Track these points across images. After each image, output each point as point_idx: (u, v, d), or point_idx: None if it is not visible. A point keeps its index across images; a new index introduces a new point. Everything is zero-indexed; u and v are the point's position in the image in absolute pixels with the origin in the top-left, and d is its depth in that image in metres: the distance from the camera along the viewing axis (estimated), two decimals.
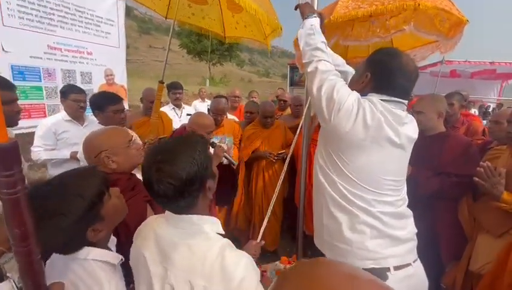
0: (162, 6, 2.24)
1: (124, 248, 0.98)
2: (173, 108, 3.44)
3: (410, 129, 1.12)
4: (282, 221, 2.85)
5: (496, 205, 1.41)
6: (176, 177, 0.70)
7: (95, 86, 3.88)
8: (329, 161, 1.11)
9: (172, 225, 0.78)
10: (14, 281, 0.71)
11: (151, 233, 0.82)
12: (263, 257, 2.18)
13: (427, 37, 2.25)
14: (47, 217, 0.68)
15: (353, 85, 1.16)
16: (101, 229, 0.80)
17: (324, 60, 1.15)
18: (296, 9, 1.42)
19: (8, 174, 0.45)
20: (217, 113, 2.43)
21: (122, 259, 0.87)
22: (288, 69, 16.10)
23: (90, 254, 0.79)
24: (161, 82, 2.01)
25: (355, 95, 1.06)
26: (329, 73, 1.11)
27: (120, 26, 4.13)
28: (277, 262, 1.93)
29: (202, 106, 5.00)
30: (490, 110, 7.75)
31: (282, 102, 3.74)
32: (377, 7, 1.80)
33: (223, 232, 0.80)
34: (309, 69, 1.17)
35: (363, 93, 1.10)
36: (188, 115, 3.55)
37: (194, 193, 0.74)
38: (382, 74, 1.08)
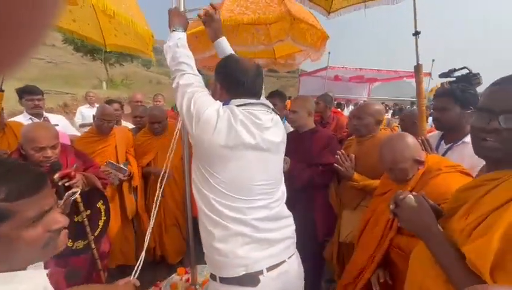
0: None
1: None
2: (30, 118, 2.56)
3: (273, 133, 1.15)
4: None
5: (350, 184, 1.75)
6: None
7: None
8: (200, 175, 1.08)
9: None
10: None
11: None
12: (167, 272, 2.00)
13: (301, 48, 2.62)
14: None
15: (214, 98, 1.16)
16: None
17: (187, 73, 1.14)
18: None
19: None
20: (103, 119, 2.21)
21: None
22: None
23: None
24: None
25: (216, 105, 1.07)
26: (190, 86, 1.11)
27: None
28: (174, 275, 1.84)
29: (90, 113, 4.29)
30: None
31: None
32: (260, 16, 1.95)
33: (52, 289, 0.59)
34: (173, 85, 1.16)
35: (225, 102, 1.12)
36: (55, 125, 2.90)
37: None
38: (227, 79, 1.15)
